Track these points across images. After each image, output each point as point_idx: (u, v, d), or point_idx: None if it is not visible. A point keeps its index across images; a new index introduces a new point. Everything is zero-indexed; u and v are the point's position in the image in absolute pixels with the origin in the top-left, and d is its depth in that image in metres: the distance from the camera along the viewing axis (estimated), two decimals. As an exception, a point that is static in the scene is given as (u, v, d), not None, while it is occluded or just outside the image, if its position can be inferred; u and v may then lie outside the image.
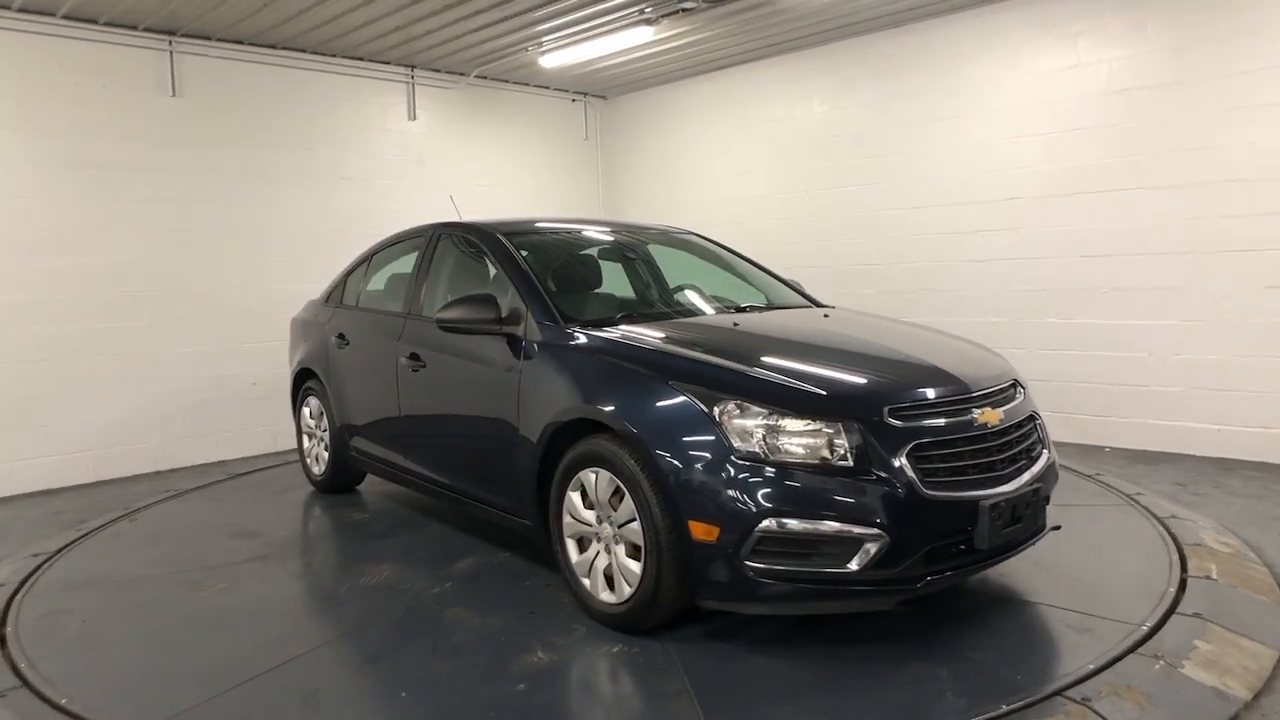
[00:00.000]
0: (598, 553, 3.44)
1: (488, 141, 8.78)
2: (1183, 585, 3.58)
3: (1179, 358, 6.04)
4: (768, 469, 2.94)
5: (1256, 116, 5.62)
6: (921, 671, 2.96)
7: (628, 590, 3.28)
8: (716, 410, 3.05)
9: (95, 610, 3.79)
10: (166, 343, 6.86)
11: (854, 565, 2.91)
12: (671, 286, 4.78)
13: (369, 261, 5.53)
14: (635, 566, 3.24)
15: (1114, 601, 3.44)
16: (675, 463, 3.06)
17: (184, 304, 6.93)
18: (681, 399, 3.13)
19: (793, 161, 8.12)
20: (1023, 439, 3.36)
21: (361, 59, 7.76)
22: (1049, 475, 3.41)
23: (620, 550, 3.32)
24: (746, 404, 3.04)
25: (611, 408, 3.28)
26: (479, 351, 4.03)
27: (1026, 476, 3.25)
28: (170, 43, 6.79)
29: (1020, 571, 3.76)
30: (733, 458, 2.97)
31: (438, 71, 8.27)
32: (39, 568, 4.37)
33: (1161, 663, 2.94)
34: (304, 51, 7.42)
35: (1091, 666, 2.92)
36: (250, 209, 7.23)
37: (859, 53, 7.55)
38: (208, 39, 6.95)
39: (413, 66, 8.09)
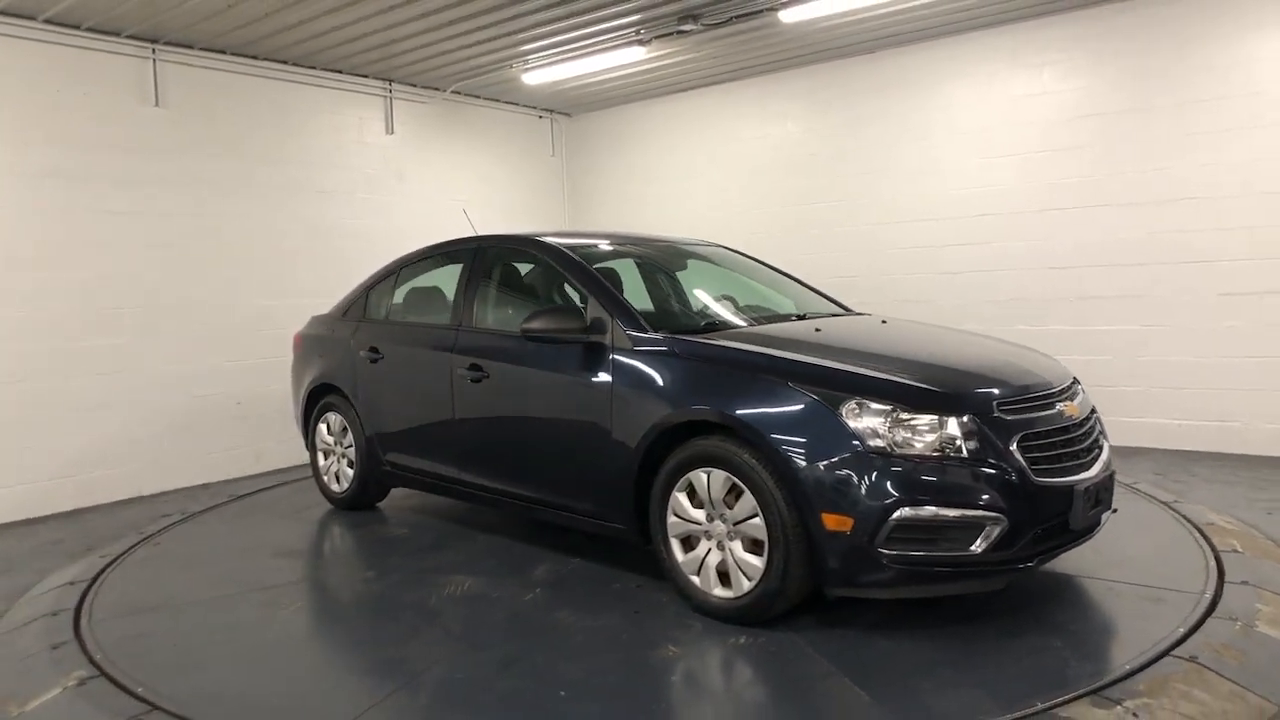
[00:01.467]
0: (708, 550, 3.58)
1: (461, 156, 8.78)
2: (1217, 559, 3.99)
3: (1141, 360, 6.62)
4: (896, 461, 3.15)
5: (1206, 142, 6.26)
6: (1037, 644, 3.22)
7: (747, 584, 3.43)
8: (843, 409, 3.25)
9: (178, 634, 3.66)
10: (149, 361, 6.58)
11: (977, 548, 3.16)
12: (720, 296, 4.94)
13: (395, 275, 5.49)
14: (756, 561, 3.40)
15: (1168, 575, 3.81)
16: (804, 459, 3.24)
17: (166, 321, 6.67)
18: (806, 399, 3.31)
19: (766, 179, 8.45)
20: (1093, 430, 3.70)
21: (341, 71, 7.67)
22: (1112, 462, 3.76)
23: (737, 546, 3.47)
24: (868, 402, 3.25)
25: (733, 410, 3.43)
26: (560, 361, 4.11)
27: (1100, 463, 3.58)
28: (153, 51, 6.56)
29: (1073, 552, 4.09)
30: (862, 452, 3.17)
31: (414, 86, 8.23)
32: (85, 595, 4.17)
33: (1239, 623, 3.30)
34: (285, 63, 7.28)
35: (1182, 630, 3.24)
36: (232, 222, 7.03)
37: (831, 76, 7.96)
38: (190, 48, 6.74)
39: (390, 80, 8.04)
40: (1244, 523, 4.64)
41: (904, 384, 3.32)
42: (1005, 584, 3.37)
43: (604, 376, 3.92)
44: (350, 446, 5.46)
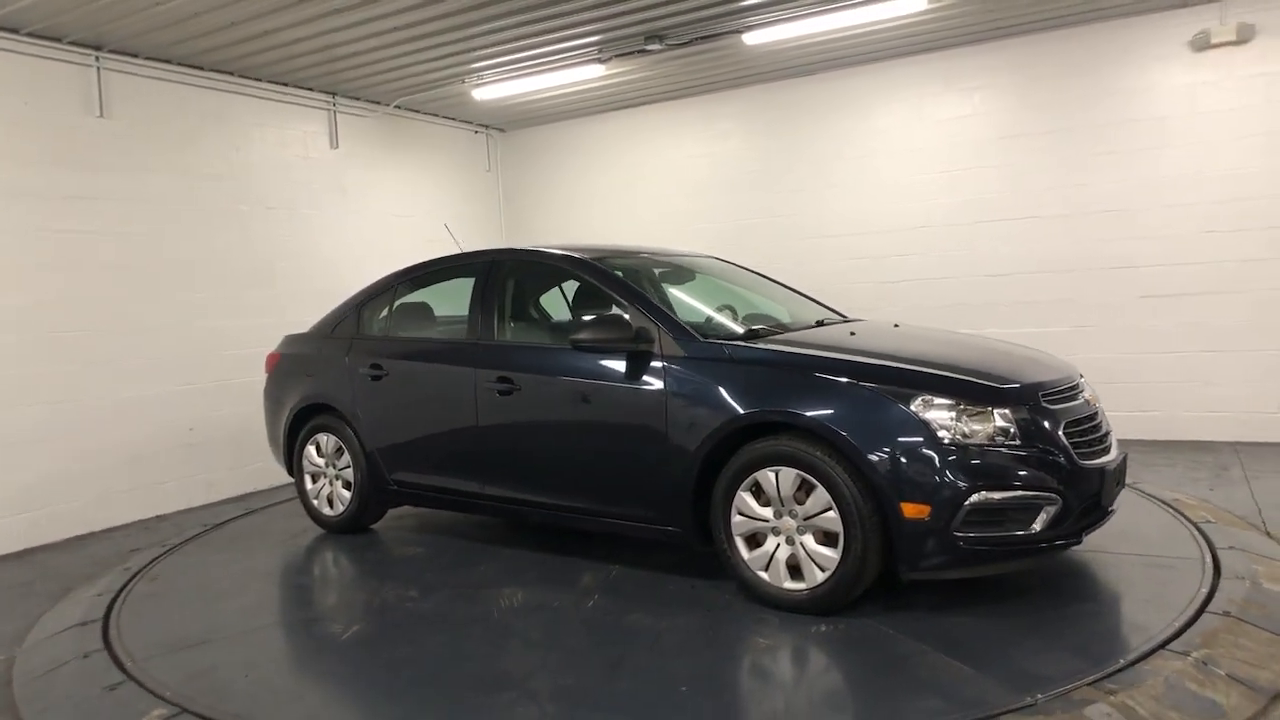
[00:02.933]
0: (777, 545, 3.74)
1: (402, 171, 8.64)
2: (1199, 530, 4.48)
3: (1072, 358, 7.19)
4: (965, 451, 3.42)
5: (1121, 160, 6.95)
6: (1089, 611, 3.55)
7: (821, 575, 3.61)
8: (913, 405, 3.49)
9: (244, 665, 3.50)
10: (98, 389, 6.17)
11: (1037, 526, 3.46)
12: (735, 304, 5.10)
13: (392, 291, 5.40)
14: (829, 552, 3.59)
15: (1164, 546, 4.25)
16: (879, 453, 3.46)
17: (115, 345, 6.27)
18: (878, 397, 3.54)
19: (709, 194, 8.72)
20: (1103, 417, 4.09)
21: (286, 84, 7.43)
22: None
23: (809, 539, 3.65)
24: (934, 397, 3.51)
25: (809, 410, 3.61)
26: (603, 370, 4.18)
27: (1115, 447, 3.98)
28: (97, 58, 6.19)
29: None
30: (936, 444, 3.42)
31: (358, 99, 8.05)
32: (106, 634, 3.91)
33: (1247, 581, 3.74)
34: (231, 74, 7.00)
35: (1205, 591, 3.65)
36: (181, 241, 6.69)
37: (773, 96, 8.32)
38: (135, 56, 6.39)
39: (334, 94, 7.84)
40: (1198, 499, 5.19)
41: (964, 380, 3.60)
42: (1054, 559, 3.69)
43: (655, 384, 4.03)
44: (347, 468, 5.31)
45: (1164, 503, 4.97)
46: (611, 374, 4.17)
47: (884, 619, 3.58)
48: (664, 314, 4.18)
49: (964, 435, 3.45)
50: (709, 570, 4.26)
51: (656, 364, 4.05)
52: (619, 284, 4.41)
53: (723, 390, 3.85)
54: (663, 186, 8.98)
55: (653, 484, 4.06)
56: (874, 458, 3.46)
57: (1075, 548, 3.73)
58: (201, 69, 6.80)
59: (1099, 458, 3.72)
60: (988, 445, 3.45)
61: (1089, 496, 3.62)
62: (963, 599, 3.71)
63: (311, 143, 7.73)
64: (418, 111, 8.68)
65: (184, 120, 6.73)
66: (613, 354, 4.16)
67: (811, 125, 8.17)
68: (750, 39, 6.70)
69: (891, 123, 7.82)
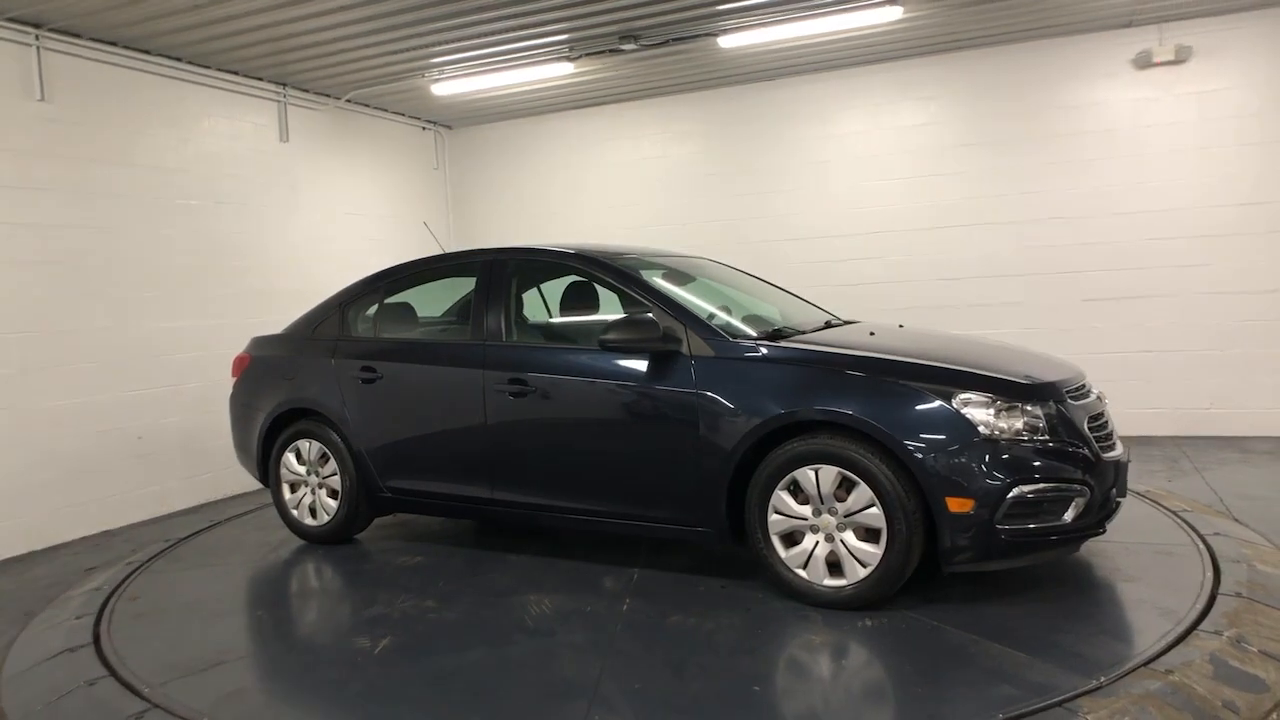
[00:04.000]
0: (816, 543, 3.77)
1: (353, 168, 8.34)
2: (1182, 519, 4.75)
3: (1021, 358, 7.58)
4: (1005, 446, 3.53)
5: (1068, 170, 7.33)
6: (1110, 595, 3.73)
7: (862, 571, 3.66)
8: (954, 402, 3.58)
9: (275, 686, 3.30)
10: (37, 397, 5.73)
11: (1068, 517, 3.60)
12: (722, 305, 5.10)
13: (380, 290, 5.19)
14: (871, 548, 3.64)
15: (1158, 533, 4.48)
16: (924, 449, 3.53)
17: (56, 349, 5.84)
18: (922, 395, 3.62)
19: (666, 196, 8.75)
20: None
21: (237, 73, 7.06)
22: (1119, 441, 4.38)
23: (849, 536, 3.69)
24: (972, 394, 3.61)
25: (851, 408, 3.65)
26: (627, 371, 4.13)
27: (1120, 442, 4.18)
28: (37, 37, 5.74)
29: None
30: (978, 440, 3.52)
31: (307, 91, 7.73)
32: (105, 663, 3.62)
33: (1244, 565, 3.98)
34: (179, 60, 6.60)
35: (1209, 574, 3.87)
36: (126, 236, 6.27)
37: (732, 100, 8.42)
38: (79, 36, 5.96)
39: (285, 84, 7.50)
40: (1165, 490, 5.51)
41: (999, 377, 3.71)
42: (1079, 548, 3.85)
43: (685, 383, 4.00)
44: (332, 475, 5.08)
45: (1139, 494, 5.25)
46: (637, 374, 4.13)
47: (922, 612, 3.65)
48: (690, 314, 4.16)
49: (1001, 431, 3.56)
50: (730, 569, 4.27)
51: (685, 363, 4.03)
52: (639, 283, 4.36)
53: (761, 389, 3.86)
54: (618, 187, 8.96)
55: (684, 484, 4.03)
56: (920, 454, 3.53)
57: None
58: (149, 53, 6.39)
59: (1111, 451, 3.90)
60: (1023, 440, 3.57)
61: (1109, 487, 3.79)
62: (988, 590, 3.83)
63: (262, 135, 7.37)
64: (367, 105, 8.39)
65: (130, 107, 6.31)
66: (638, 354, 4.11)
67: (771, 130, 8.30)
68: (726, 42, 6.76)
69: (850, 129, 8.02)
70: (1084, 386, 4.03)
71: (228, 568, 4.90)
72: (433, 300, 5.22)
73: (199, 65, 6.73)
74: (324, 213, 7.92)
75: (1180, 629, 3.34)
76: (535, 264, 4.83)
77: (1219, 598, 3.63)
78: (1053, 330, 7.46)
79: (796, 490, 3.79)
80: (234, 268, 7.01)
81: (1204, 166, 6.95)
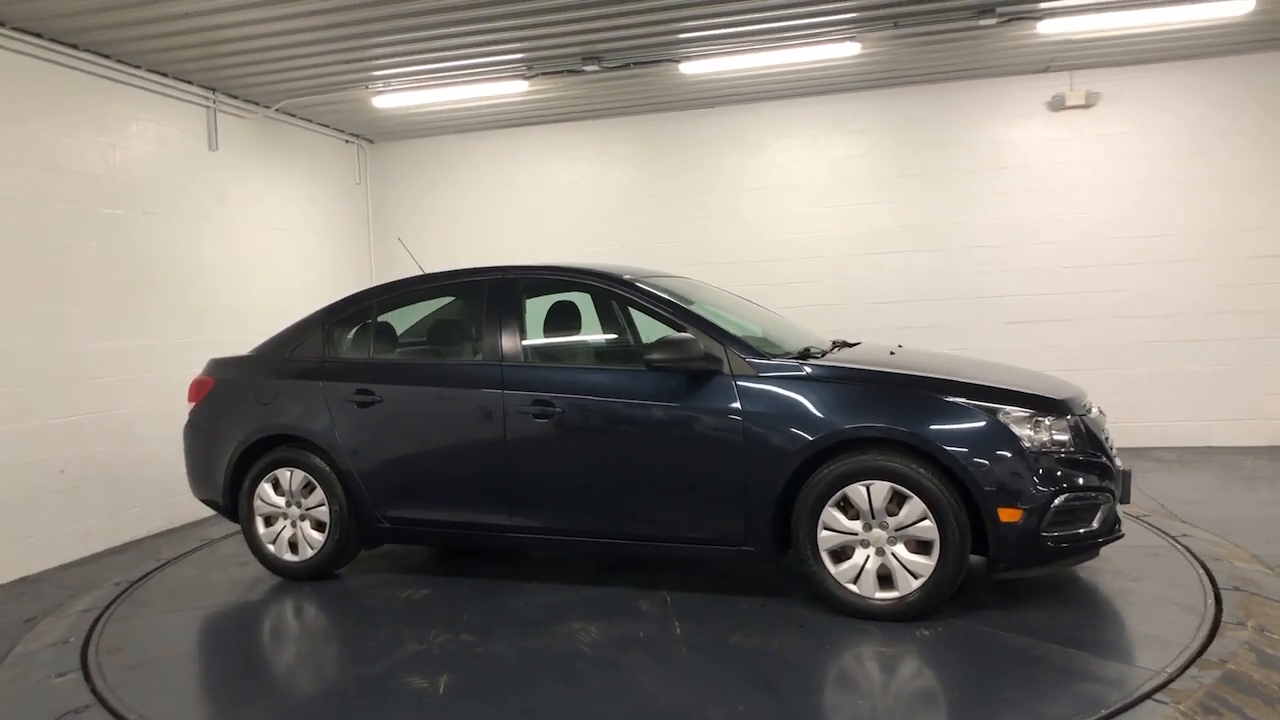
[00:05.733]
0: (867, 557, 3.86)
1: (279, 180, 7.88)
2: (1145, 522, 5.16)
3: (949, 377, 8.03)
4: (1047, 458, 3.75)
5: (990, 202, 7.88)
6: (1129, 594, 4.01)
7: (915, 583, 3.77)
8: (1000, 416, 3.77)
9: (344, 732, 3.05)
10: (-47, 424, 5.06)
11: (1095, 524, 3.85)
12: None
13: (368, 310, 4.92)
14: (924, 560, 3.76)
15: (1138, 537, 4.83)
16: (977, 463, 3.69)
17: (-26, 371, 5.18)
18: (969, 411, 3.78)
19: (603, 218, 8.74)
20: (1101, 428, 4.62)
21: (166, 74, 6.54)
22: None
23: (900, 549, 3.80)
24: (1014, 409, 3.81)
25: (906, 424, 3.77)
26: (665, 391, 4.11)
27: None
28: (-44, 25, 5.13)
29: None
30: (1024, 452, 3.72)
31: (236, 98, 7.25)
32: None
33: (1224, 563, 4.37)
34: (109, 58, 6.06)
35: (1203, 571, 4.24)
36: (48, 247, 5.68)
37: (670, 126, 8.54)
38: (2, 25, 5.37)
39: (214, 89, 7.01)
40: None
41: (1035, 394, 3.93)
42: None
43: (728, 402, 4.01)
44: (319, 506, 4.75)
45: (1096, 501, 5.66)
46: (675, 394, 4.11)
47: (969, 619, 3.80)
48: (727, 333, 4.19)
49: (1041, 444, 3.77)
50: (758, 588, 4.32)
51: (727, 383, 4.05)
52: (669, 304, 4.36)
53: (811, 407, 3.92)
54: (551, 208, 8.88)
55: (729, 504, 4.03)
56: (972, 468, 3.69)
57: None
58: (77, 48, 5.83)
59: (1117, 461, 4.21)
60: (1060, 452, 3.80)
61: (1123, 495, 4.08)
62: (1015, 596, 4.03)
63: (191, 143, 6.85)
64: (293, 115, 7.96)
65: (56, 104, 5.74)
66: (679, 374, 4.09)
67: (710, 156, 8.48)
68: (687, 68, 6.86)
69: (788, 158, 8.30)
70: (1089, 403, 4.33)
71: (207, 610, 4.49)
72: (458, 318, 5.00)
73: (128, 64, 6.20)
74: (254, 229, 7.45)
75: (1208, 623, 3.63)
76: (547, 283, 4.72)
77: (1223, 593, 3.97)
78: (978, 351, 7.89)
79: (846, 506, 3.87)
80: (163, 284, 6.46)
81: (1109, 202, 7.64)
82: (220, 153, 7.08)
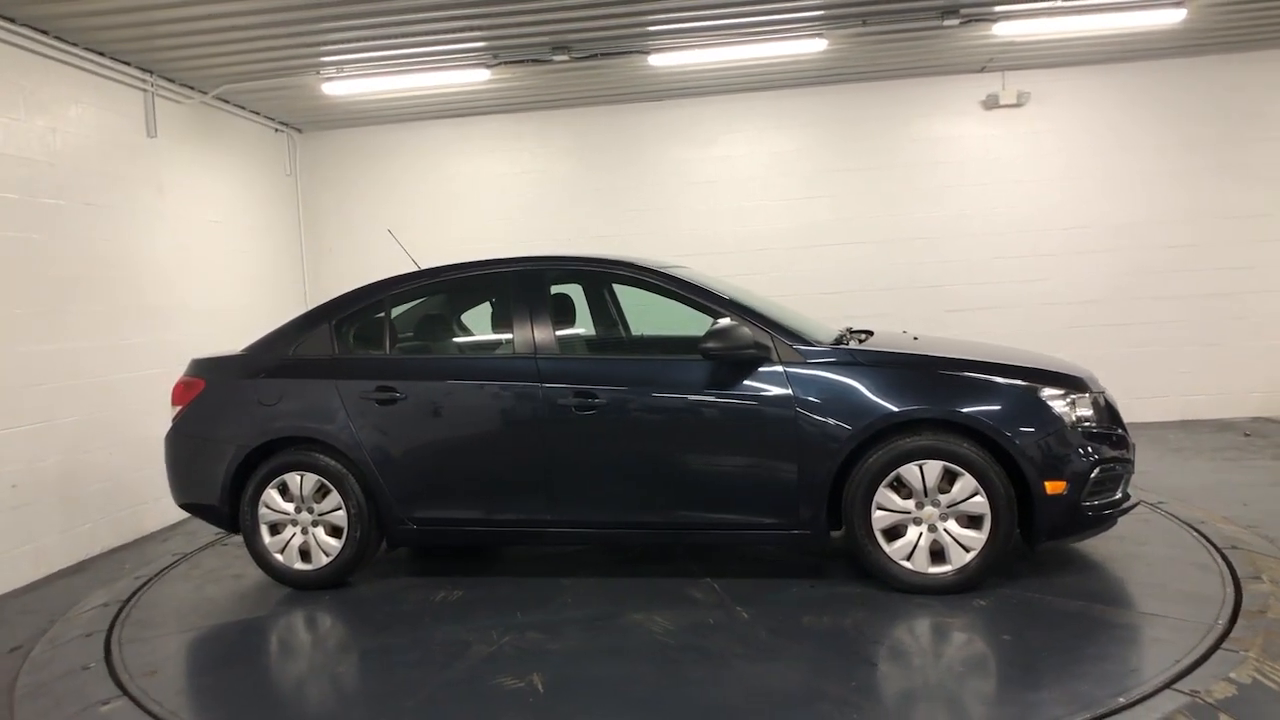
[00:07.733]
0: (919, 534, 4.01)
1: (215, 170, 7.38)
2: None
3: (894, 364, 8.40)
4: (1081, 432, 4.01)
5: (928, 195, 8.28)
6: (1147, 558, 4.33)
7: (967, 556, 3.96)
8: (1040, 394, 4.01)
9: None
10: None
11: (1118, 494, 4.16)
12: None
13: (379, 303, 4.69)
14: (975, 534, 3.95)
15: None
16: (1025, 439, 3.90)
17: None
18: (1013, 391, 4.00)
19: (544, 210, 8.63)
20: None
21: (102, 54, 6.00)
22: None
23: (952, 525, 3.98)
24: (1050, 388, 4.05)
25: (960, 405, 3.93)
26: (711, 379, 4.15)
27: (1119, 429, 4.85)
28: (-116, -10, 4.55)
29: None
30: (1064, 427, 3.96)
31: (173, 82, 6.73)
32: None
33: (1210, 524, 4.79)
34: (46, 34, 5.51)
35: (1198, 534, 4.63)
36: (-11, 241, 5.12)
37: (615, 118, 8.52)
38: (-68, -7, 4.81)
39: (151, 72, 6.48)
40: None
41: (1064, 374, 4.19)
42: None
43: (779, 389, 4.08)
44: (335, 510, 4.51)
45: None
46: (723, 382, 4.14)
47: (1015, 588, 4.01)
48: (774, 321, 4.25)
49: (1075, 420, 4.03)
50: (798, 570, 4.43)
51: (776, 370, 4.11)
52: (709, 294, 4.39)
53: (865, 391, 4.03)
54: (491, 200, 8.70)
55: (784, 489, 4.09)
56: (1021, 444, 3.90)
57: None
58: (13, 20, 5.27)
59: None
60: (1091, 426, 4.07)
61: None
62: (1044, 564, 4.28)
63: (129, 129, 6.31)
64: (227, 102, 7.46)
65: (-11, 84, 5.18)
66: (723, 362, 4.13)
67: (654, 149, 8.53)
68: (656, 60, 6.88)
69: (734, 151, 8.44)
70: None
71: (228, 627, 4.19)
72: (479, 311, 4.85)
73: (66, 41, 5.65)
74: (193, 220, 6.94)
75: (1229, 578, 3.98)
76: (581, 274, 4.65)
77: (1226, 552, 4.35)
78: (921, 338, 8.34)
79: (898, 486, 4.01)
80: (106, 280, 5.93)
81: (1038, 195, 8.17)
82: (159, 140, 6.55)
